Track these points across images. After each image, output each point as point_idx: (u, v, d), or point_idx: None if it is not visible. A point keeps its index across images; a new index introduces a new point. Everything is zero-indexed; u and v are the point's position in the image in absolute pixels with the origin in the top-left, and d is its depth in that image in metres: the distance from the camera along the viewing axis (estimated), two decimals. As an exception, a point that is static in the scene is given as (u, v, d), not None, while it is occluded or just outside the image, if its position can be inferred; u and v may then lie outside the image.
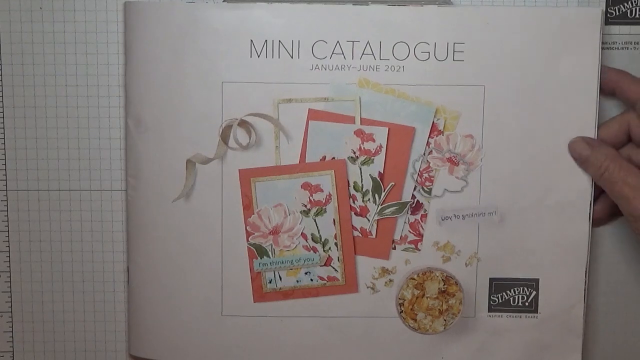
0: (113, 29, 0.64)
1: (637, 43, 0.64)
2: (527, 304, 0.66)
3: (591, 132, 0.63)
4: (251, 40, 0.62)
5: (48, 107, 0.65)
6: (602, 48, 0.63)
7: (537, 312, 0.66)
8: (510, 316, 0.66)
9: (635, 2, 0.64)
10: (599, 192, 0.65)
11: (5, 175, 0.65)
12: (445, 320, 0.65)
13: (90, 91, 0.65)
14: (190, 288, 0.65)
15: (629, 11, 0.64)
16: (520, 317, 0.66)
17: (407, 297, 0.65)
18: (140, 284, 0.66)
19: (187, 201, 0.64)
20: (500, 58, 0.63)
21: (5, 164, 0.65)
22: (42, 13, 0.64)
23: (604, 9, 0.64)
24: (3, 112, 0.65)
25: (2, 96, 0.65)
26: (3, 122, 0.65)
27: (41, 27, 0.64)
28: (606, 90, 0.64)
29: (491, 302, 0.66)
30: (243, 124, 0.63)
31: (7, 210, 0.66)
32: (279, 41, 0.62)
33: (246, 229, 0.65)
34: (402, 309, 0.65)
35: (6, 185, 0.65)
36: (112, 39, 0.64)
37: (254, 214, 0.65)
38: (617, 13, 0.64)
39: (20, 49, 0.64)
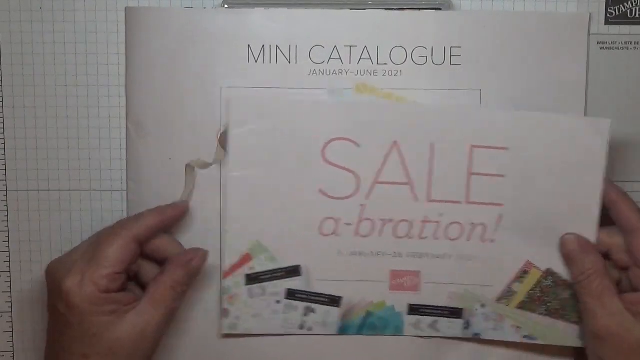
0: (113, 29, 0.64)
1: (637, 43, 0.64)
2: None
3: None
4: (249, 45, 0.62)
5: (48, 107, 0.65)
6: (602, 48, 0.64)
7: None
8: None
9: (635, 2, 0.64)
10: None
11: (5, 175, 0.65)
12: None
13: (90, 91, 0.65)
14: (190, 298, 0.65)
15: (629, 11, 0.64)
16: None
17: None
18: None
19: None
20: (497, 62, 0.63)
21: (5, 164, 0.65)
22: (42, 13, 0.64)
23: (602, 10, 0.64)
24: (3, 112, 0.65)
25: (2, 96, 0.65)
26: (3, 122, 0.65)
27: (41, 27, 0.64)
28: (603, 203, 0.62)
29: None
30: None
31: (7, 210, 0.66)
32: (277, 46, 0.62)
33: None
34: None
35: (6, 185, 0.66)
36: (112, 39, 0.64)
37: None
38: (617, 13, 0.64)
39: (20, 49, 0.64)
